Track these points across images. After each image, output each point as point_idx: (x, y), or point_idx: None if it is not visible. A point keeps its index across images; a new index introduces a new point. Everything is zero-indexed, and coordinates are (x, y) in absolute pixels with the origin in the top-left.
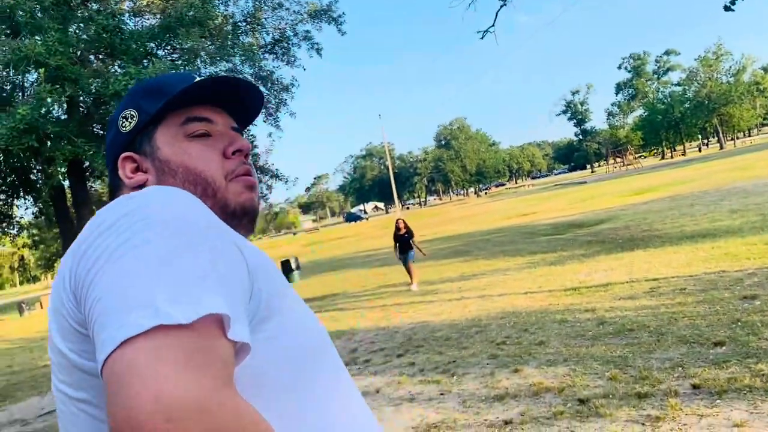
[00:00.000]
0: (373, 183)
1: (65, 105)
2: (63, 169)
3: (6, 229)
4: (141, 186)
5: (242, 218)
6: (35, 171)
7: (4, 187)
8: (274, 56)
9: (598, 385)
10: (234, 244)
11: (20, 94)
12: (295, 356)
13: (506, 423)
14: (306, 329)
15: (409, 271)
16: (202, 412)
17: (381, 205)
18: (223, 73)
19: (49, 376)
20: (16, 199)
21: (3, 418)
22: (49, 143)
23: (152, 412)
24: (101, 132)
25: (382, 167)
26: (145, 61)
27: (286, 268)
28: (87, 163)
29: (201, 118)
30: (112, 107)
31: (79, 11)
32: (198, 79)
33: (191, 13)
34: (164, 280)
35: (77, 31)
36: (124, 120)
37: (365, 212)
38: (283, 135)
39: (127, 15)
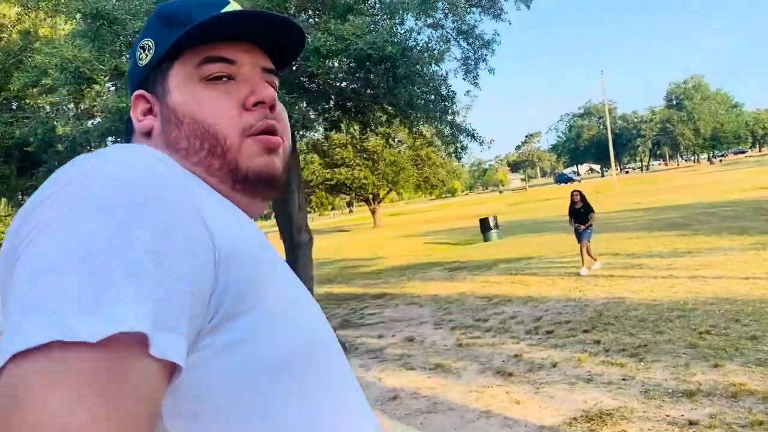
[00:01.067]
0: (590, 143)
1: None
2: None
3: None
4: (149, 133)
5: (256, 185)
6: None
7: None
8: (480, 9)
9: None
10: (194, 231)
11: None
12: (255, 369)
13: (691, 423)
14: (288, 332)
15: (581, 252)
16: None
17: (596, 167)
18: (426, 28)
19: None
20: None
21: None
22: None
23: None
24: (303, 84)
25: (601, 127)
26: (350, 16)
27: (484, 226)
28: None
29: (221, 58)
30: (311, 63)
31: None
32: (229, 8)
33: None
34: (81, 280)
35: None
36: (141, 51)
37: (578, 174)
38: (478, 94)
39: None
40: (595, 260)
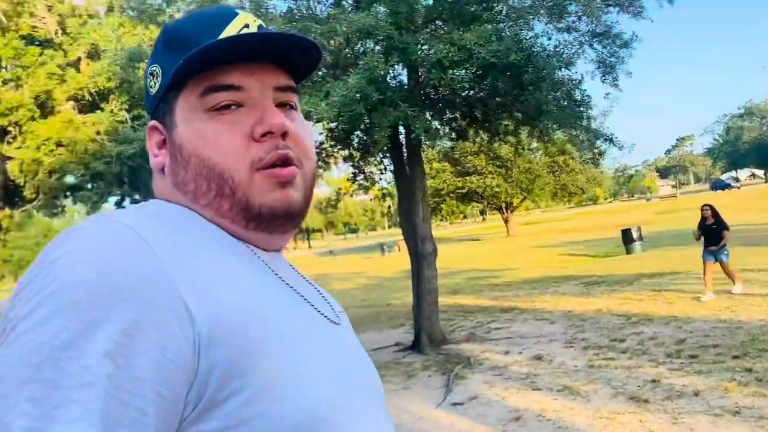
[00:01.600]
0: (751, 146)
1: (397, 73)
2: (386, 133)
3: (362, 182)
4: (163, 169)
5: (271, 221)
6: (360, 136)
7: (354, 147)
8: (619, 8)
9: None
10: (168, 322)
11: (356, 65)
12: None
13: None
14: (288, 410)
15: (704, 276)
16: None
17: (760, 172)
18: (554, 33)
19: (390, 314)
20: (368, 157)
21: None
22: (377, 110)
23: None
24: (428, 95)
25: (764, 128)
26: (474, 25)
27: (627, 237)
28: (402, 129)
29: (225, 86)
30: (433, 75)
31: None
32: (236, 22)
33: None
34: (35, 393)
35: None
36: (150, 78)
37: (737, 180)
38: (619, 96)
39: None
40: (735, 281)
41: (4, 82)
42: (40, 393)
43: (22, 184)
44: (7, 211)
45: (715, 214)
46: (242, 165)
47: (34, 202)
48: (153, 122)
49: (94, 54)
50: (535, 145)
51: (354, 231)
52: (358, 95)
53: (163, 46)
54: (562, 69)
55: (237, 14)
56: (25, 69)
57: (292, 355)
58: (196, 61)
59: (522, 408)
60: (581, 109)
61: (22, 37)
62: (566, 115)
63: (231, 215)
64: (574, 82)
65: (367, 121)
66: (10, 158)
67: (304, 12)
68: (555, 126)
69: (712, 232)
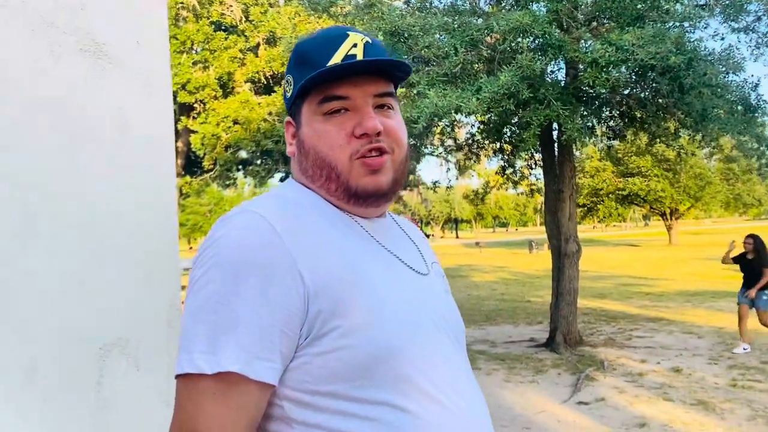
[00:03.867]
0: None
1: (553, 69)
2: (536, 132)
3: (510, 176)
4: (293, 155)
5: (366, 198)
6: (512, 130)
7: (505, 141)
8: None
9: None
10: (288, 284)
11: (507, 62)
12: (338, 371)
13: None
14: (365, 343)
15: (740, 324)
16: None
17: None
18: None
19: (529, 311)
20: (519, 151)
21: (478, 336)
22: (528, 108)
23: None
24: (583, 93)
25: None
26: (635, 26)
27: None
28: (555, 126)
29: (336, 96)
30: (588, 75)
31: None
32: (347, 42)
33: None
34: (206, 330)
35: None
36: (286, 84)
37: None
38: None
39: None
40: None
41: (194, 63)
42: (209, 329)
43: (201, 155)
44: (188, 178)
45: (757, 245)
46: (344, 156)
47: (211, 173)
48: (288, 118)
49: (271, 40)
50: (706, 150)
51: (504, 225)
52: (508, 92)
53: (294, 62)
54: (729, 74)
55: (348, 36)
56: (212, 52)
57: (375, 302)
58: (315, 79)
59: (648, 416)
60: (755, 114)
61: (212, 23)
62: (736, 121)
63: (337, 194)
64: (749, 85)
65: (517, 118)
66: (193, 132)
67: (468, 6)
68: (720, 132)
69: (750, 270)
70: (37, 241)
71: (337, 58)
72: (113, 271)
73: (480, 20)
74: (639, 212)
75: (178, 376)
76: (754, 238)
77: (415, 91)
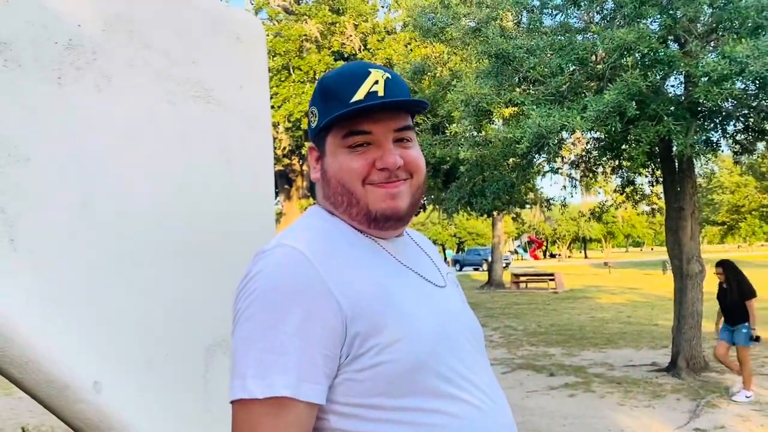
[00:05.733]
0: None
1: (668, 85)
2: (645, 149)
3: (630, 195)
4: (317, 180)
5: (385, 222)
6: (624, 151)
7: (623, 158)
8: None
9: None
10: (327, 311)
11: (615, 80)
12: (383, 381)
13: None
14: (395, 361)
15: (725, 361)
16: None
17: None
18: None
19: (654, 335)
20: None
21: (597, 359)
22: (636, 125)
23: None
24: (697, 106)
25: None
26: (752, 37)
27: None
28: (673, 143)
29: (359, 131)
30: (699, 89)
31: None
32: (369, 80)
33: None
34: (255, 357)
35: (677, 13)
36: (311, 115)
37: None
38: None
39: None
40: (745, 385)
41: None
42: (259, 356)
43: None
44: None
45: (729, 275)
46: (361, 182)
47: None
48: (311, 144)
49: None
50: None
51: (638, 245)
52: (614, 109)
53: (319, 95)
54: None
55: (370, 73)
56: None
57: (405, 318)
58: (339, 116)
59: None
60: None
61: (332, 53)
62: None
63: (358, 219)
64: None
65: (628, 135)
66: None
67: (581, 24)
68: None
69: (727, 302)
70: (154, 254)
71: (360, 95)
72: (216, 282)
73: (589, 37)
74: None
75: (233, 402)
76: (723, 266)
77: (520, 112)
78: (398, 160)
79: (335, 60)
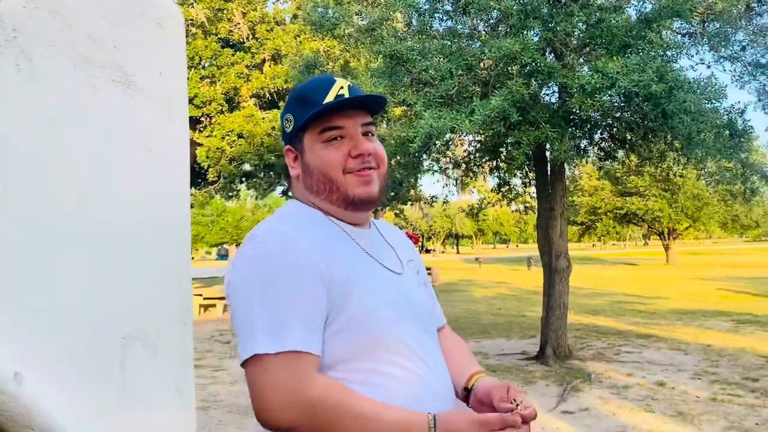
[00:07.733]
0: None
1: (544, 93)
2: (525, 151)
3: (505, 193)
4: (297, 177)
5: (360, 205)
6: (502, 153)
7: (501, 159)
8: None
9: None
10: (315, 280)
11: (500, 86)
12: (343, 350)
13: None
14: (359, 333)
15: None
16: (293, 404)
17: None
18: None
19: (523, 325)
20: (514, 170)
21: (473, 348)
22: (518, 129)
23: (260, 416)
24: (572, 116)
25: None
26: (616, 55)
27: None
28: (548, 147)
29: (333, 127)
30: (574, 100)
31: (563, 8)
32: (336, 86)
33: (670, 5)
34: (262, 320)
35: (556, 27)
36: (286, 122)
37: None
38: None
39: (609, 10)
40: None
41: (202, 78)
42: (265, 319)
43: (206, 168)
44: (192, 190)
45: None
46: (341, 172)
47: (215, 185)
48: (288, 146)
49: (276, 57)
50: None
51: (505, 241)
52: (499, 114)
53: (294, 102)
54: (711, 101)
55: (335, 81)
56: (219, 68)
57: (364, 296)
58: (316, 115)
59: (630, 425)
60: (741, 140)
61: (219, 40)
62: (721, 145)
63: (338, 203)
64: (736, 111)
65: (509, 138)
66: (199, 145)
67: (466, 30)
68: (703, 156)
69: None
70: (73, 241)
71: (330, 97)
72: (134, 271)
73: (477, 44)
74: (639, 231)
75: (246, 361)
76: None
77: (412, 112)
78: (370, 148)
79: (222, 47)
